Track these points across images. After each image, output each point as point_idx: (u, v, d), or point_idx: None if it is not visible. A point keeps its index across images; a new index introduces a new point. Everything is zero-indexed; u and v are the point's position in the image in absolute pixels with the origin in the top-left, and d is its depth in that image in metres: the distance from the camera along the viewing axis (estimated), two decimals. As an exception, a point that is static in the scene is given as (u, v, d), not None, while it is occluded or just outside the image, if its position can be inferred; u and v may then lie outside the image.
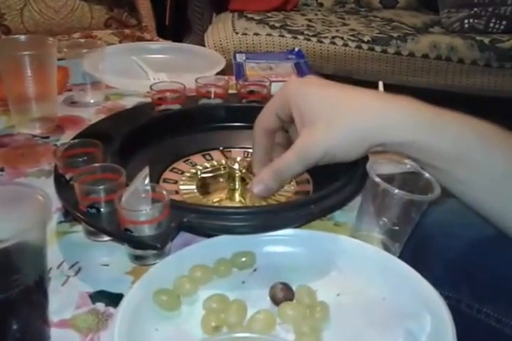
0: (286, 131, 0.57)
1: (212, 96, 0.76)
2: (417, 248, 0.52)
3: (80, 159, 0.53)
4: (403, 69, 1.88)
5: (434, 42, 1.89)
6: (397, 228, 0.50)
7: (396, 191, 0.48)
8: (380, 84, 0.88)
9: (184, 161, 0.66)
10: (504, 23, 1.97)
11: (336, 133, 0.47)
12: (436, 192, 0.48)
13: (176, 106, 0.72)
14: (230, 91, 0.79)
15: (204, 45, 1.84)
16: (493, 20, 1.97)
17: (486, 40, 1.88)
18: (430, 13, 2.20)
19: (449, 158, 0.46)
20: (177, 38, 1.98)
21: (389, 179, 0.50)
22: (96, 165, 0.52)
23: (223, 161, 0.66)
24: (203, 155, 0.67)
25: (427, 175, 0.50)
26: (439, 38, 1.92)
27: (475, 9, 2.01)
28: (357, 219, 0.53)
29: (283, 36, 1.88)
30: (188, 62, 1.02)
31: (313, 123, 0.48)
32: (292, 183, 0.63)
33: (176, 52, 1.07)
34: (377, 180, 0.48)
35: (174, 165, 0.65)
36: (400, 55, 1.87)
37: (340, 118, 0.47)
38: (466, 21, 1.98)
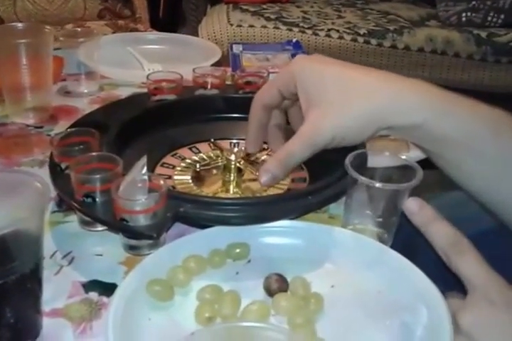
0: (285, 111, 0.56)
1: (209, 86, 0.76)
2: (409, 241, 0.52)
3: (76, 148, 0.53)
4: (398, 63, 1.87)
5: (430, 36, 1.89)
6: (381, 220, 0.50)
7: (376, 184, 0.47)
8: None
9: (173, 155, 0.66)
10: (502, 16, 1.96)
11: (345, 116, 0.46)
12: (418, 177, 0.48)
13: (172, 97, 0.72)
14: (227, 83, 0.79)
15: (198, 37, 1.83)
16: (491, 14, 1.97)
17: (483, 34, 1.88)
18: (427, 6, 2.20)
19: (457, 144, 0.45)
20: (171, 29, 1.96)
21: (373, 171, 0.50)
22: (92, 154, 0.51)
23: (218, 152, 0.65)
24: (195, 147, 0.67)
25: (413, 164, 0.50)
26: (436, 32, 1.91)
27: (473, 2, 2.00)
28: (344, 212, 0.53)
29: (278, 28, 1.87)
30: (183, 53, 1.01)
31: (320, 105, 0.47)
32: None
33: (171, 43, 1.06)
34: (355, 174, 0.48)
35: (169, 156, 0.65)
36: (395, 49, 1.87)
37: (350, 100, 0.46)
38: (463, 15, 1.98)
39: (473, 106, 0.46)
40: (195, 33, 1.86)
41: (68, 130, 0.57)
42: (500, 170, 0.46)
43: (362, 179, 0.48)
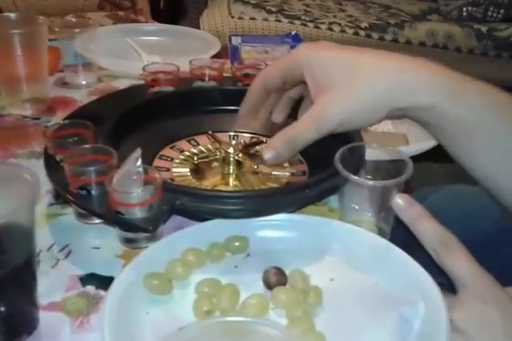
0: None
1: (207, 78, 0.75)
2: (408, 234, 0.52)
3: (71, 140, 0.52)
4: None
5: (431, 30, 1.88)
6: (374, 214, 0.50)
7: (365, 181, 0.47)
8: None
9: (172, 147, 0.65)
10: (502, 11, 1.95)
11: (356, 98, 0.45)
12: (408, 171, 0.47)
13: (169, 88, 0.71)
14: (225, 75, 0.78)
15: (199, 29, 1.82)
16: (492, 9, 1.96)
17: (484, 29, 1.87)
18: (428, 1, 2.18)
19: (467, 126, 0.45)
20: (172, 21, 1.95)
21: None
22: (87, 146, 0.51)
23: (217, 145, 0.65)
24: (194, 140, 0.66)
25: (404, 157, 0.49)
26: (437, 26, 1.90)
27: (471, -3, 1.99)
28: (339, 206, 0.52)
29: (279, 21, 1.86)
30: (183, 45, 1.00)
31: (330, 88, 0.46)
32: (286, 165, 0.62)
33: (171, 35, 1.05)
34: (344, 171, 0.48)
35: (167, 149, 0.64)
36: (396, 43, 1.86)
37: (360, 81, 0.45)
38: (464, 9, 1.97)
39: (482, 88, 0.46)
40: (196, 25, 1.85)
41: (62, 122, 0.56)
42: (506, 152, 0.46)
43: (350, 177, 0.47)
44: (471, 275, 0.39)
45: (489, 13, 1.96)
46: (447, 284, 0.41)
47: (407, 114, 0.46)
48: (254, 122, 0.57)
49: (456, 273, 0.40)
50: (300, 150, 0.50)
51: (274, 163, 0.51)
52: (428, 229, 0.42)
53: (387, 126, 0.77)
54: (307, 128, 0.47)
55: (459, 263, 0.40)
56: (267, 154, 0.49)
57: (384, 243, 0.46)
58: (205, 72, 0.75)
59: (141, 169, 0.47)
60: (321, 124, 0.46)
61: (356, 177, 0.47)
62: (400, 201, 0.44)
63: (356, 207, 0.50)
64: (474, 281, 0.39)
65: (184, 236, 0.47)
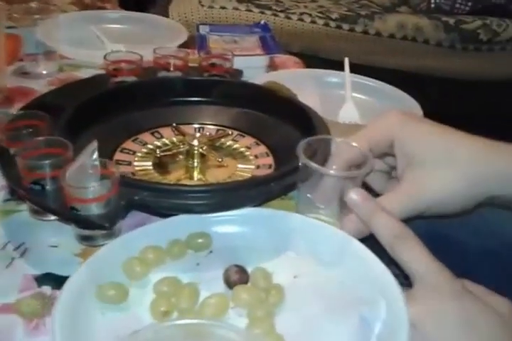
0: None
1: (172, 68, 0.73)
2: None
3: (25, 132, 0.50)
4: (369, 49, 1.86)
5: (401, 22, 1.88)
6: (332, 209, 0.49)
7: (330, 171, 0.46)
8: (346, 61, 0.86)
9: (134, 140, 0.63)
10: (470, 4, 1.96)
11: (452, 178, 0.44)
12: (369, 165, 0.46)
13: (132, 78, 0.68)
14: (191, 65, 0.76)
15: (168, 18, 1.78)
16: (459, 1, 1.97)
17: (451, 21, 1.88)
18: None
19: None
20: (140, 9, 1.91)
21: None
22: (41, 138, 0.48)
23: (181, 138, 0.63)
24: (157, 132, 0.64)
25: (364, 152, 0.48)
26: (406, 18, 1.90)
27: (441, -11, 2.00)
28: (297, 200, 0.51)
29: (250, 10, 1.83)
30: (149, 34, 0.98)
31: (423, 164, 0.44)
32: (252, 158, 0.61)
33: (137, 23, 1.02)
34: (303, 158, 0.47)
35: (129, 142, 0.62)
36: (367, 34, 1.85)
37: (456, 162, 0.44)
38: (432, 1, 1.97)
39: None
40: (165, 14, 1.80)
41: (16, 113, 0.53)
42: None
43: (310, 163, 0.46)
44: (426, 268, 0.39)
45: (457, 6, 1.97)
46: (402, 276, 0.41)
47: (498, 201, 0.45)
48: None
49: (412, 266, 0.39)
50: None
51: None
52: (383, 223, 0.41)
53: (354, 118, 0.76)
54: (399, 207, 0.44)
55: (415, 256, 0.39)
56: (348, 229, 0.46)
57: (349, 239, 0.45)
58: (169, 61, 0.72)
59: (97, 162, 0.45)
60: (416, 204, 0.44)
61: (316, 165, 0.46)
62: (354, 196, 0.43)
63: (310, 197, 0.48)
64: (430, 273, 0.39)
65: (143, 234, 0.46)
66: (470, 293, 0.38)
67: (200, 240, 0.47)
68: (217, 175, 0.58)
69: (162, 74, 0.72)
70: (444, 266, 0.39)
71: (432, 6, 1.96)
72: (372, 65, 1.83)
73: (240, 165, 0.60)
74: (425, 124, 0.47)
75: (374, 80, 0.84)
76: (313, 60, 1.88)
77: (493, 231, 0.55)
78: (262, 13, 1.83)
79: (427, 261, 0.39)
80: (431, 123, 0.47)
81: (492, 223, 0.53)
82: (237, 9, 1.83)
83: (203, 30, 0.94)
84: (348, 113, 0.77)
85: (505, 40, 1.88)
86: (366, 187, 0.51)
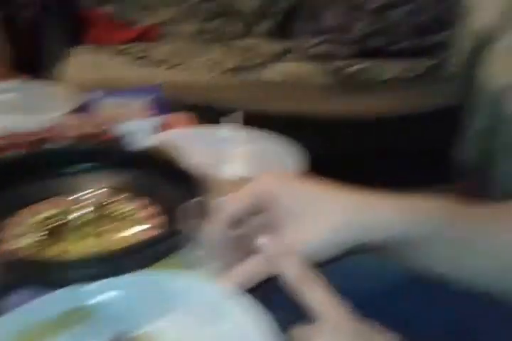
0: None
1: (62, 137, 0.74)
2: None
3: None
4: (262, 96, 1.95)
5: (289, 69, 1.99)
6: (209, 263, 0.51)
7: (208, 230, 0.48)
8: (238, 114, 0.91)
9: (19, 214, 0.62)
10: (352, 47, 2.12)
11: (324, 229, 0.47)
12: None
13: (21, 152, 0.69)
14: (84, 131, 0.77)
15: (60, 81, 1.77)
16: (342, 46, 2.12)
17: (336, 65, 2.01)
18: (285, 40, 2.32)
19: (422, 242, 0.48)
20: (32, 73, 1.89)
21: None
22: None
23: (67, 208, 0.63)
24: (45, 204, 0.64)
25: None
26: (294, 64, 2.02)
27: (325, 35, 2.15)
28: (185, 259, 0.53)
29: (143, 67, 1.87)
30: (39, 102, 0.98)
31: (299, 220, 0.47)
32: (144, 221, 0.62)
33: (25, 91, 1.02)
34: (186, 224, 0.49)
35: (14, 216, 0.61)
36: (258, 82, 1.95)
37: (327, 213, 0.47)
38: (318, 47, 2.11)
39: (423, 201, 0.50)
40: (57, 77, 1.80)
41: None
42: (460, 254, 0.50)
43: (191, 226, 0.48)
44: (328, 307, 0.41)
45: (341, 50, 2.11)
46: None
47: (370, 247, 0.49)
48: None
49: (313, 305, 0.41)
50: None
51: None
52: (289, 266, 0.44)
53: (243, 172, 0.79)
54: (284, 264, 0.46)
55: (317, 295, 0.42)
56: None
57: (229, 297, 0.46)
58: (60, 130, 0.73)
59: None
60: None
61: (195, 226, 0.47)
62: (263, 240, 0.46)
63: (197, 254, 0.50)
64: (331, 312, 0.41)
65: (13, 316, 0.44)
66: (371, 332, 0.41)
67: (78, 312, 0.46)
68: (106, 243, 0.59)
69: (51, 145, 0.73)
70: (345, 306, 0.42)
71: (318, 51, 2.10)
72: (265, 112, 1.92)
73: (132, 229, 0.61)
74: (296, 183, 0.51)
75: (262, 131, 0.88)
76: (207, 111, 1.93)
77: (366, 274, 0.59)
78: (156, 68, 1.88)
79: (328, 300, 0.42)
80: (304, 181, 0.52)
81: (365, 267, 0.58)
82: (130, 67, 1.86)
83: (95, 95, 0.96)
84: (236, 167, 0.80)
85: (387, 80, 2.04)
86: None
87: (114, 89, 1.04)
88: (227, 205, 0.51)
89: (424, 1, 2.23)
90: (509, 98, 1.46)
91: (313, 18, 2.23)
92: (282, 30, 2.40)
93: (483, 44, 1.53)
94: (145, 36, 2.17)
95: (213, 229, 0.50)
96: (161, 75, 1.86)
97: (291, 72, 1.98)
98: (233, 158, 0.81)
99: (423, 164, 1.97)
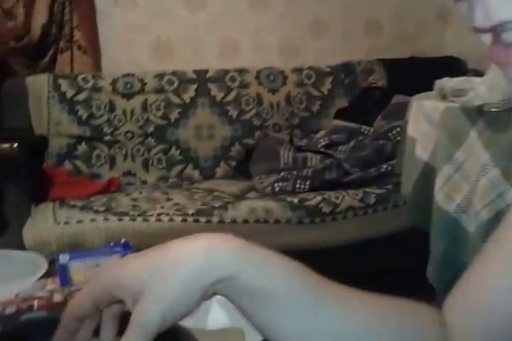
0: None
1: (36, 308, 0.72)
2: None
3: None
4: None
5: (251, 207, 2.05)
6: None
7: None
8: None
9: None
10: (308, 182, 2.23)
11: (165, 293, 0.46)
12: None
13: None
14: (56, 296, 0.76)
15: (23, 241, 1.76)
16: (299, 182, 2.22)
17: (296, 200, 2.09)
18: (245, 179, 2.41)
19: (263, 295, 0.47)
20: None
21: None
22: None
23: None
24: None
25: None
26: (256, 203, 2.08)
27: (282, 174, 2.26)
28: None
29: (107, 219, 1.89)
30: (6, 270, 0.96)
31: (142, 294, 0.46)
32: None
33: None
34: None
35: None
36: (223, 223, 1.98)
37: (165, 275, 0.46)
38: (276, 185, 2.21)
39: (273, 255, 0.50)
40: (20, 237, 1.79)
41: None
42: (304, 323, 0.49)
43: None
44: None
45: (297, 186, 2.21)
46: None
47: (217, 292, 0.48)
48: None
49: None
50: None
51: None
52: None
53: (222, 321, 0.78)
54: (134, 338, 0.46)
55: None
56: None
57: None
58: (33, 303, 0.72)
59: None
60: (144, 329, 0.46)
61: None
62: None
63: None
64: None
65: None
66: None
67: None
68: None
69: (26, 316, 0.70)
70: None
71: (276, 189, 2.19)
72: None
73: None
74: (129, 260, 0.51)
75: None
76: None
77: None
78: (120, 220, 1.89)
79: None
80: (136, 255, 0.51)
81: None
82: (94, 220, 1.87)
83: (63, 259, 0.95)
84: (215, 318, 0.79)
85: (344, 210, 2.11)
86: None
87: (82, 251, 1.04)
88: (69, 306, 0.51)
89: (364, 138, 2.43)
90: (468, 217, 1.53)
91: (268, 159, 2.37)
92: (239, 171, 2.51)
93: (429, 171, 1.64)
94: (109, 188, 2.23)
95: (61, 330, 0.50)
96: (125, 226, 1.87)
97: (253, 211, 2.03)
98: (212, 308, 0.80)
99: (398, 284, 1.96)
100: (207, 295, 0.48)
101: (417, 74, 2.62)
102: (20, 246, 1.74)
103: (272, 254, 0.50)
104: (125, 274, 0.48)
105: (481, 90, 1.49)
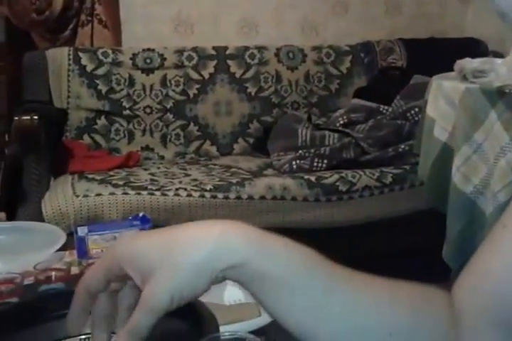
0: None
1: (53, 280, 0.74)
2: None
3: None
4: (244, 212, 1.99)
5: (268, 184, 2.06)
6: None
7: None
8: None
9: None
10: (325, 161, 2.23)
11: (175, 274, 0.47)
12: None
13: (14, 300, 0.68)
14: (73, 268, 0.78)
15: (42, 214, 1.79)
16: (316, 160, 2.22)
17: (313, 178, 2.09)
18: (263, 157, 2.42)
19: (276, 281, 0.48)
20: (11, 208, 1.91)
21: None
22: None
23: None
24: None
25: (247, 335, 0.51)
26: (273, 180, 2.09)
27: (300, 151, 2.26)
28: None
29: (126, 193, 1.91)
30: (25, 241, 0.99)
31: (152, 274, 0.47)
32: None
33: (10, 232, 1.03)
34: None
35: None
36: (240, 199, 2.00)
37: (175, 257, 0.47)
38: (293, 163, 2.21)
39: (287, 243, 0.50)
40: (39, 209, 1.82)
41: None
42: (315, 304, 0.49)
43: None
44: None
45: (315, 164, 2.21)
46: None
47: (227, 276, 0.48)
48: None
49: None
50: (147, 334, 0.49)
51: None
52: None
53: (238, 296, 0.80)
54: (141, 317, 0.47)
55: None
56: None
57: None
58: (50, 274, 0.74)
59: None
60: (153, 308, 0.47)
61: None
62: None
63: None
64: None
65: None
66: None
67: None
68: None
69: (43, 287, 0.73)
70: None
71: (294, 166, 2.19)
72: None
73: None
74: (140, 238, 0.51)
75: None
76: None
77: None
78: (139, 194, 1.92)
79: None
80: (146, 234, 0.52)
81: None
82: (113, 194, 1.90)
83: (82, 232, 0.97)
84: (231, 293, 0.80)
85: (361, 188, 2.11)
86: None
87: (101, 224, 1.06)
88: (82, 278, 0.51)
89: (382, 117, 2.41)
90: (485, 198, 1.52)
91: (286, 137, 2.36)
92: (257, 148, 2.52)
93: (448, 151, 1.62)
94: (127, 162, 2.25)
95: (74, 305, 0.51)
96: (143, 200, 1.89)
97: (271, 188, 2.04)
98: (227, 286, 0.81)
99: (413, 264, 1.97)
100: (217, 280, 0.48)
101: (436, 54, 2.57)
102: (39, 218, 1.77)
103: (282, 241, 0.50)
104: (137, 250, 0.49)
105: (501, 71, 1.47)
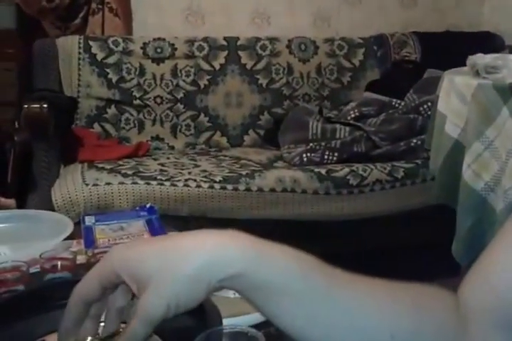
0: None
1: (59, 269, 0.74)
2: None
3: None
4: (254, 204, 1.98)
5: (279, 177, 2.05)
6: None
7: None
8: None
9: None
10: (336, 154, 2.21)
11: (172, 282, 0.47)
12: None
13: (20, 287, 0.68)
14: (80, 257, 0.78)
15: (51, 201, 1.80)
16: (327, 153, 2.21)
17: (323, 171, 2.08)
18: (273, 149, 2.41)
19: (274, 289, 0.47)
20: (21, 195, 1.92)
21: None
22: None
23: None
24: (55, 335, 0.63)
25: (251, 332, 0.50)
26: (283, 172, 2.08)
27: (310, 144, 2.24)
28: None
29: (136, 183, 1.91)
30: (33, 230, 0.99)
31: (148, 282, 0.47)
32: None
33: (19, 220, 1.03)
34: None
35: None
36: (250, 191, 1.99)
37: (173, 267, 0.47)
38: (304, 155, 2.20)
39: (283, 250, 0.49)
40: (48, 197, 1.82)
41: None
42: (316, 310, 0.49)
43: None
44: None
45: (325, 157, 2.20)
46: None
47: (224, 286, 0.48)
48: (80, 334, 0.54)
49: None
50: None
51: None
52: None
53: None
54: (136, 327, 0.47)
55: None
56: None
57: None
58: (56, 263, 0.74)
59: None
60: (148, 318, 0.47)
61: None
62: None
63: None
64: None
65: None
66: None
67: None
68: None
69: (49, 276, 0.72)
70: None
71: (304, 159, 2.18)
72: (257, 218, 1.94)
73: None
74: (140, 246, 0.51)
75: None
76: (201, 220, 1.96)
77: None
78: (148, 184, 1.91)
79: None
80: (143, 242, 0.52)
81: None
82: (122, 184, 1.89)
83: (89, 221, 0.97)
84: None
85: (372, 182, 2.10)
86: None
87: (108, 214, 1.06)
88: (75, 289, 0.51)
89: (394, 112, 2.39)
90: (495, 195, 1.50)
91: (296, 129, 2.35)
92: (267, 140, 2.50)
93: (459, 148, 1.60)
94: (137, 152, 2.25)
95: (68, 316, 0.51)
96: (153, 190, 1.89)
97: (281, 180, 2.03)
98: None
99: (424, 259, 1.96)
100: (214, 289, 0.48)
101: (451, 48, 2.54)
102: (49, 205, 1.78)
103: (279, 248, 0.49)
104: (134, 257, 0.49)
105: (514, 68, 1.44)
